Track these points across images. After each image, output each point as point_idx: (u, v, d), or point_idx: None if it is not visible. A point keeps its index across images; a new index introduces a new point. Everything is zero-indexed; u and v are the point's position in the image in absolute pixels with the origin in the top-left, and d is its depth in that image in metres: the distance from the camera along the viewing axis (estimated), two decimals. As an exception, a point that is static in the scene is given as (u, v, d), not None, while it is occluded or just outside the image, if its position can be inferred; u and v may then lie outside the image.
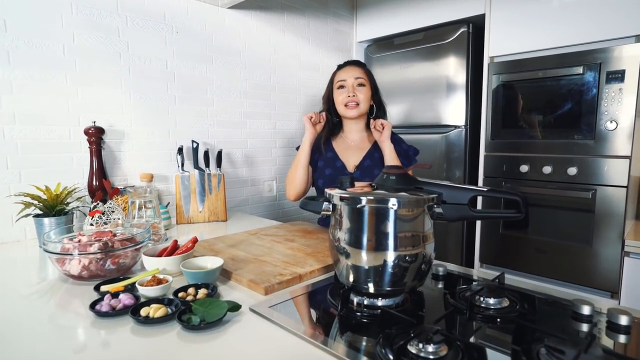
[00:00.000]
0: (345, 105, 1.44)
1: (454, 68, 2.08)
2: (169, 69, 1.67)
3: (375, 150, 1.46)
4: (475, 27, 2.03)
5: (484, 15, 1.93)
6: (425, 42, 2.17)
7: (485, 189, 0.76)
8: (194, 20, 1.73)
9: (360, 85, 1.44)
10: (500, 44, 1.89)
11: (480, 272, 1.04)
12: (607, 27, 1.59)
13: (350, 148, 1.50)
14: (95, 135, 1.41)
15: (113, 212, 1.20)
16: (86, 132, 1.40)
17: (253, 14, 1.96)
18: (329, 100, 1.52)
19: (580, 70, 1.62)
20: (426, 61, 2.18)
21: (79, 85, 1.42)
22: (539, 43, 1.77)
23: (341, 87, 1.45)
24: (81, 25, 1.41)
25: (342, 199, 0.76)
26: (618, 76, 1.54)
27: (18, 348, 0.65)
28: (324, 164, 1.47)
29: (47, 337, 0.70)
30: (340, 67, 1.51)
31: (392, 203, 0.71)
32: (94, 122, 1.42)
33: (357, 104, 1.43)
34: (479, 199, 1.82)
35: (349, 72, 1.45)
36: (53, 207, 1.24)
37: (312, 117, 1.45)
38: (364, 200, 0.73)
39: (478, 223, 1.99)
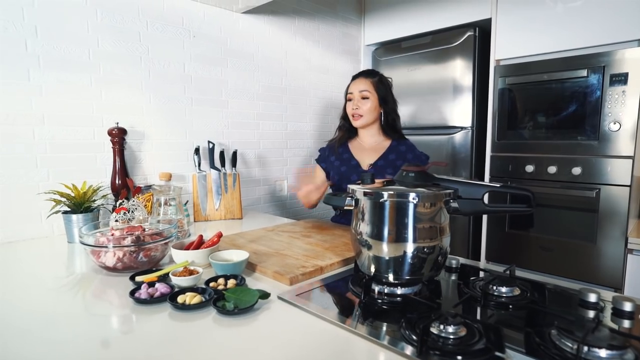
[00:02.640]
0: (352, 116, 1.58)
1: (460, 71, 2.13)
2: (186, 72, 1.73)
3: (389, 153, 1.56)
4: (482, 31, 2.09)
5: (490, 19, 1.98)
6: (433, 45, 2.23)
7: (498, 185, 0.82)
8: (210, 25, 1.79)
9: (364, 98, 1.55)
10: (506, 48, 1.95)
11: (491, 266, 1.10)
12: (611, 31, 1.64)
13: (365, 150, 1.61)
14: (118, 136, 1.47)
15: (136, 209, 1.26)
16: (109, 132, 1.46)
17: (266, 19, 2.02)
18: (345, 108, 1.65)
19: (584, 73, 1.67)
20: (433, 64, 2.23)
21: (102, 88, 1.48)
22: (544, 47, 1.82)
23: (349, 99, 1.59)
24: (105, 30, 1.47)
25: (365, 194, 0.82)
26: (621, 79, 1.59)
27: (66, 329, 0.71)
28: (339, 163, 1.60)
29: (92, 321, 0.75)
30: (353, 78, 1.62)
31: (412, 197, 0.76)
32: (117, 123, 1.48)
33: (361, 116, 1.56)
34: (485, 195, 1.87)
35: (356, 85, 1.58)
36: (81, 205, 1.30)
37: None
38: (385, 194, 0.79)
39: (484, 222, 2.04)
